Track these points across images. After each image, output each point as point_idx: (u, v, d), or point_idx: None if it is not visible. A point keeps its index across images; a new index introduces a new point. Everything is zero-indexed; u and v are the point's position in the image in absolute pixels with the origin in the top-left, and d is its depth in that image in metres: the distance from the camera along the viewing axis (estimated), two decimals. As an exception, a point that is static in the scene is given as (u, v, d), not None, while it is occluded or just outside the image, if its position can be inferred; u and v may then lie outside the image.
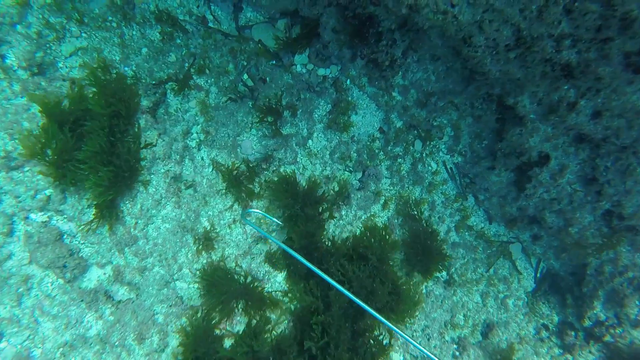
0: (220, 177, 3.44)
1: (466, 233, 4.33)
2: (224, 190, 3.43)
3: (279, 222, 3.42)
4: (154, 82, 3.41)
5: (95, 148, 2.94)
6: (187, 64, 3.58)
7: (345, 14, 3.19)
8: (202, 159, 3.52)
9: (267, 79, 3.78)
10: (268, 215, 3.42)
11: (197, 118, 3.60)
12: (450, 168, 4.23)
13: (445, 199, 4.19)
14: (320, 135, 3.85)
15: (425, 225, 3.94)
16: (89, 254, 3.29)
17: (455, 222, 4.25)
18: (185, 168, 3.44)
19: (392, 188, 3.99)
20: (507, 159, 3.90)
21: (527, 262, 4.50)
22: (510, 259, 4.48)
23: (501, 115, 3.82)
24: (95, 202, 3.12)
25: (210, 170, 3.46)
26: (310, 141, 3.81)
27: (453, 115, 4.02)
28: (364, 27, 3.25)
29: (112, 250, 3.31)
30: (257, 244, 3.51)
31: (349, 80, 3.88)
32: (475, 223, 4.37)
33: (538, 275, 4.44)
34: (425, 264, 3.74)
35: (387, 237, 3.52)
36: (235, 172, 3.45)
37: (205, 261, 3.38)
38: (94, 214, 3.18)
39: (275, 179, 3.52)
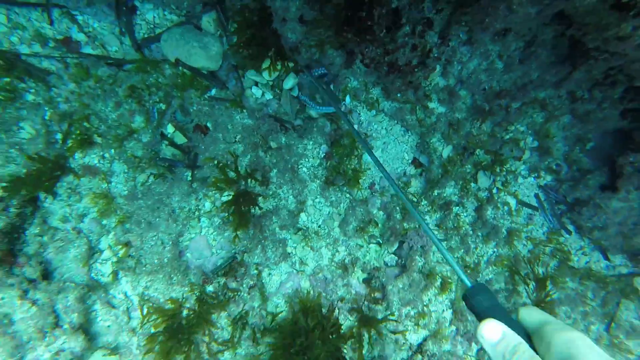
0: (157, 329, 1.98)
1: (568, 280, 2.80)
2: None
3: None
4: (2, 185, 1.88)
5: None
6: (59, 135, 2.01)
7: (319, -11, 1.49)
8: (126, 296, 2.06)
9: (209, 125, 2.17)
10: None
11: (103, 223, 2.09)
12: (536, 194, 2.61)
13: (534, 246, 2.62)
14: (318, 200, 2.28)
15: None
16: None
17: (551, 273, 2.71)
18: (96, 325, 1.98)
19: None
20: (645, 177, 2.26)
21: (661, 296, 2.97)
22: (637, 297, 2.97)
23: (634, 106, 2.11)
24: None
25: (139, 318, 2.00)
26: (303, 215, 2.25)
27: (537, 118, 2.33)
28: (360, 6, 1.54)
29: None
30: None
31: (348, 96, 2.21)
32: (577, 260, 2.82)
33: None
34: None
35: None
36: (182, 311, 1.98)
37: None
38: None
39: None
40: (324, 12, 1.70)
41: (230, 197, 2.11)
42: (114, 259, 2.09)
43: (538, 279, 2.57)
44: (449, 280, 2.42)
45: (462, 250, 2.44)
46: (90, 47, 2.06)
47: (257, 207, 2.13)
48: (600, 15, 1.25)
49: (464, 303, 0.84)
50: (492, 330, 0.76)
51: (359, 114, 2.25)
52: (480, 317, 0.80)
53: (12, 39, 1.89)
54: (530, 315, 0.79)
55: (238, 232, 2.11)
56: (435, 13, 1.73)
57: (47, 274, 1.98)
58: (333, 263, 2.31)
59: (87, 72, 2.01)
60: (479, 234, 2.44)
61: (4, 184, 1.89)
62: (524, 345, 0.74)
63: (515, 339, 0.75)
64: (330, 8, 1.62)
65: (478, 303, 0.83)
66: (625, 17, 1.16)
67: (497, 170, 2.41)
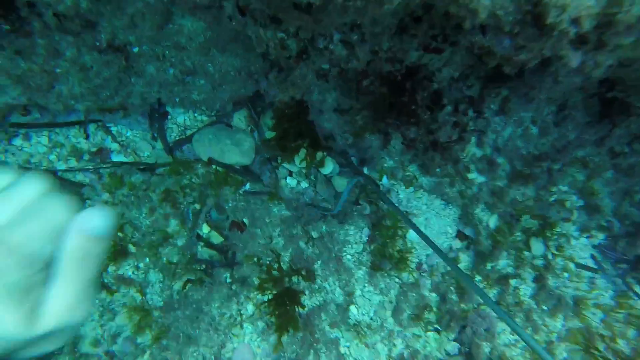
0: None
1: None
2: None
3: None
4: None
5: None
6: (92, 249, 1.90)
7: (359, 80, 1.51)
8: None
9: (245, 221, 2.08)
10: None
11: (137, 342, 1.89)
12: (592, 255, 2.44)
13: (605, 314, 2.38)
14: (366, 289, 2.10)
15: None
16: None
17: (635, 345, 2.42)
18: None
19: (518, 338, 2.19)
20: None
21: None
22: None
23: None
24: None
25: None
26: (353, 308, 2.06)
27: (578, 177, 2.26)
28: (402, 93, 1.56)
29: None
30: None
31: (385, 176, 2.17)
32: (649, 322, 2.53)
33: None
34: None
35: None
36: None
37: None
38: None
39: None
40: (360, 100, 1.72)
41: (271, 297, 1.94)
42: (150, 384, 1.85)
43: (622, 356, 2.28)
44: (523, 366, 2.14)
45: (530, 328, 2.19)
46: (122, 155, 2.06)
47: (299, 306, 1.95)
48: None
49: None
50: None
51: (397, 192, 2.19)
52: None
53: (50, 157, 1.89)
54: None
55: (282, 338, 1.91)
56: (467, 88, 1.75)
57: (75, 412, 1.74)
58: (391, 360, 2.06)
59: (120, 180, 1.98)
60: (544, 307, 2.23)
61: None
62: None
63: None
64: (368, 96, 1.64)
65: None
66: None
67: (548, 234, 2.28)
